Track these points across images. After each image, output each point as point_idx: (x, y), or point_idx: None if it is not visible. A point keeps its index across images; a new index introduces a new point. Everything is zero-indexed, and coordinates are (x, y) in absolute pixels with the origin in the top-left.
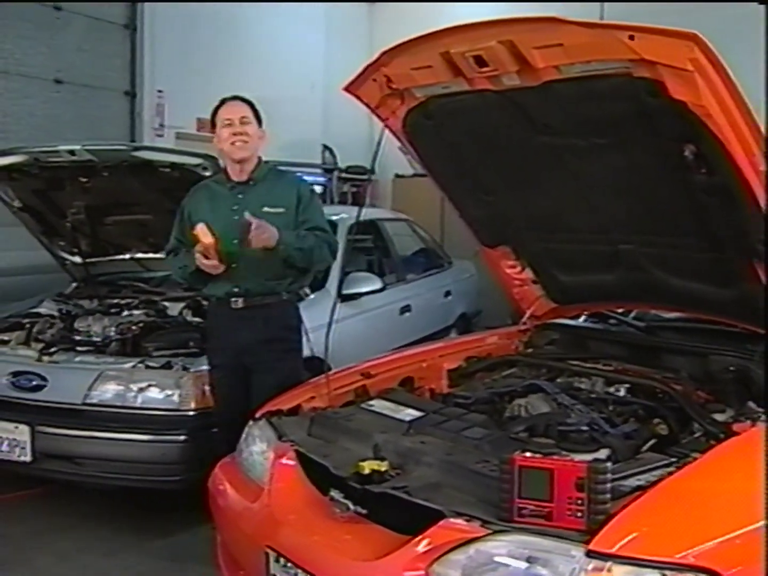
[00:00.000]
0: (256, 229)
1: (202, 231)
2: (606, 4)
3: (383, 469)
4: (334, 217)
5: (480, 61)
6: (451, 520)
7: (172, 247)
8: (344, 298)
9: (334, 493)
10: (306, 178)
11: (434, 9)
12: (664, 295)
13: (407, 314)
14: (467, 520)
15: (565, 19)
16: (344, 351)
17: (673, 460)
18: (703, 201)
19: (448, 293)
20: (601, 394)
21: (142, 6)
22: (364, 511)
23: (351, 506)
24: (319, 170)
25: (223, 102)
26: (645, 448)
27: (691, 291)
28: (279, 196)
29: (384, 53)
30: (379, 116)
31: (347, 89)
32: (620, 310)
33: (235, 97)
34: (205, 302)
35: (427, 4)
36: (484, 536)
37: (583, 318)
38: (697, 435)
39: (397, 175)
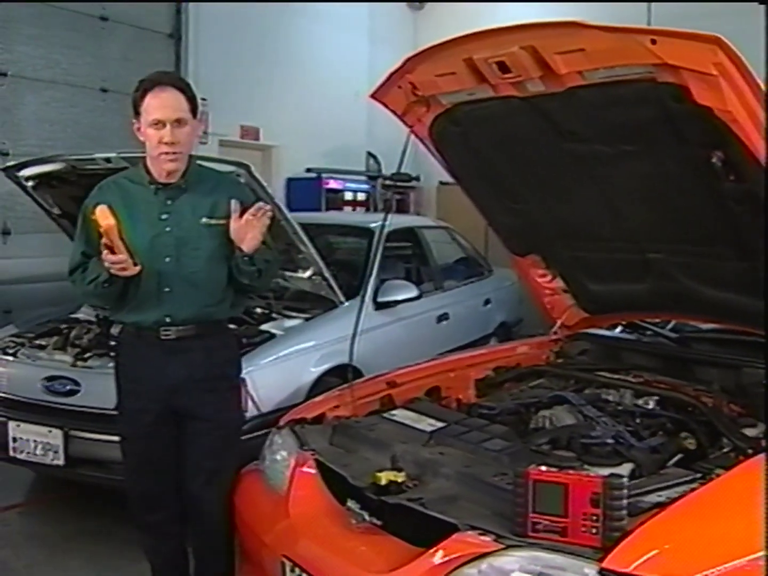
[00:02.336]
0: (258, 215)
1: (101, 212)
2: (653, 4)
3: (400, 480)
4: (372, 225)
5: (503, 67)
6: (465, 533)
7: (76, 263)
8: (380, 305)
9: (351, 504)
10: (349, 185)
11: (479, 14)
12: (696, 306)
13: (444, 322)
14: (481, 534)
15: (586, 23)
16: (380, 358)
17: (698, 476)
18: (732, 209)
19: (487, 302)
20: (629, 406)
21: (186, 15)
22: (379, 522)
23: (366, 517)
24: (363, 177)
25: (150, 85)
26: (671, 462)
27: (723, 301)
28: (219, 203)
29: (408, 60)
30: (405, 123)
31: (374, 96)
32: (656, 321)
33: (165, 80)
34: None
35: (471, 9)
36: (497, 551)
37: (619, 329)
38: (726, 450)
39: (442, 183)
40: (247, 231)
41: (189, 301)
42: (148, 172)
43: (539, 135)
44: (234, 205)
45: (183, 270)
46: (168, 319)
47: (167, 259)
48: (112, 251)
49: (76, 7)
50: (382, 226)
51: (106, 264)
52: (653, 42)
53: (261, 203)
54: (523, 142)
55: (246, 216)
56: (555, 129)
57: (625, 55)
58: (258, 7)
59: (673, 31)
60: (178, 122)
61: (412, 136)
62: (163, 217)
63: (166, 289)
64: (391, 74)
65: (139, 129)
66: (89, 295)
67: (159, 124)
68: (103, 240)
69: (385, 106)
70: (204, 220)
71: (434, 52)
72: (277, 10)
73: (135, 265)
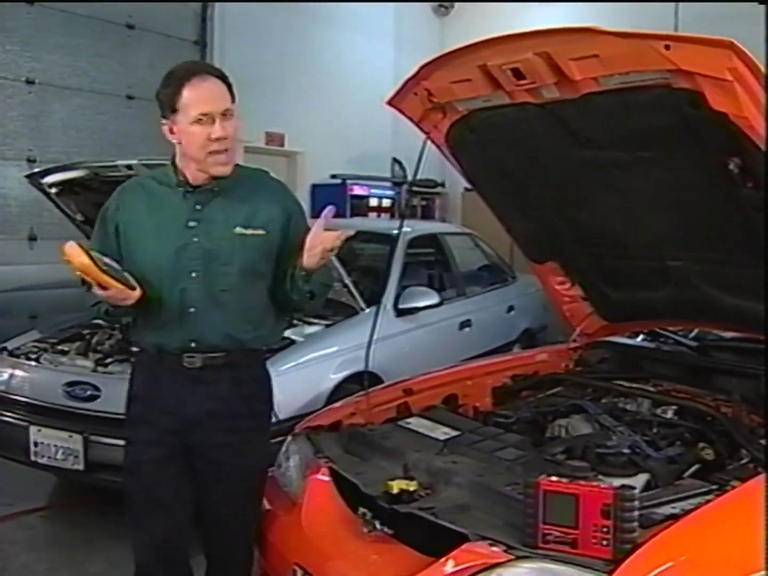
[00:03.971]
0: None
1: (72, 251)
2: (681, 4)
3: (412, 488)
4: (394, 231)
5: (518, 74)
6: (475, 543)
7: None
8: (401, 312)
9: (363, 512)
10: (375, 191)
11: (504, 19)
12: (717, 314)
13: (467, 329)
14: (491, 544)
15: (599, 29)
16: (401, 365)
17: (714, 487)
18: (751, 216)
19: (511, 308)
20: (647, 415)
21: (212, 23)
22: (391, 531)
23: (378, 525)
24: (388, 183)
25: (186, 75)
26: (688, 473)
27: (743, 309)
28: (259, 211)
29: (423, 67)
30: (422, 129)
31: (390, 103)
32: (677, 329)
33: (201, 69)
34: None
35: (496, 14)
36: (506, 562)
37: (641, 337)
38: (744, 461)
39: (467, 189)
40: (318, 245)
41: (217, 324)
42: (179, 174)
43: (556, 142)
44: (327, 212)
45: (211, 288)
46: (193, 344)
47: (193, 275)
48: (101, 287)
49: (103, 16)
50: (399, 233)
51: (100, 296)
52: (667, 47)
53: (348, 231)
54: (540, 148)
55: (323, 229)
56: (572, 135)
57: (639, 61)
58: (283, 13)
59: (687, 37)
60: (225, 115)
61: (429, 143)
62: (191, 224)
63: (191, 310)
64: (407, 81)
65: (171, 130)
66: (100, 314)
67: (206, 117)
68: (86, 279)
69: (402, 113)
70: (238, 229)
71: (449, 59)
72: (303, 16)
73: (133, 289)
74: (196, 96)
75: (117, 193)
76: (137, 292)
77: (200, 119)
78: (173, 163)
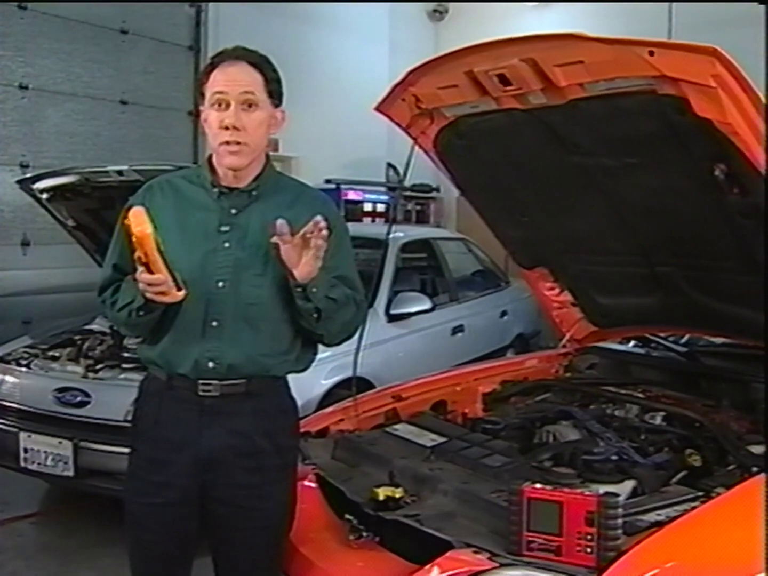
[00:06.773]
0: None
1: (135, 216)
2: (674, 4)
3: (398, 495)
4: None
5: (504, 80)
6: (460, 551)
7: (107, 279)
8: (392, 317)
9: (349, 518)
10: (369, 196)
11: (500, 26)
12: (707, 320)
13: (459, 334)
14: (475, 552)
15: (583, 35)
16: (392, 371)
17: (700, 494)
18: (739, 222)
19: (504, 313)
20: (635, 422)
21: (206, 28)
22: (377, 538)
23: (364, 532)
24: (382, 189)
25: (220, 59)
26: (674, 480)
27: (732, 315)
28: (299, 221)
29: (410, 72)
30: (410, 135)
31: (378, 109)
32: (667, 335)
33: (238, 54)
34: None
35: (491, 21)
36: (490, 569)
37: (632, 343)
38: (731, 468)
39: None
40: (300, 253)
41: (241, 342)
42: (213, 173)
43: (544, 147)
44: (317, 219)
45: (239, 300)
46: (211, 364)
47: (220, 284)
48: (149, 269)
49: (97, 21)
50: (386, 240)
51: (141, 285)
52: (651, 54)
53: (318, 217)
54: (528, 154)
55: (301, 233)
56: (559, 141)
57: (624, 67)
58: (278, 18)
59: (670, 43)
60: (248, 103)
61: (417, 148)
62: (223, 229)
63: (214, 323)
64: (394, 87)
65: (206, 120)
66: (121, 323)
67: (220, 96)
68: (136, 253)
69: (390, 118)
70: (275, 239)
71: (436, 64)
72: (297, 20)
73: (179, 289)
74: (218, 76)
75: (142, 190)
76: (181, 293)
77: (217, 103)
78: (209, 162)
